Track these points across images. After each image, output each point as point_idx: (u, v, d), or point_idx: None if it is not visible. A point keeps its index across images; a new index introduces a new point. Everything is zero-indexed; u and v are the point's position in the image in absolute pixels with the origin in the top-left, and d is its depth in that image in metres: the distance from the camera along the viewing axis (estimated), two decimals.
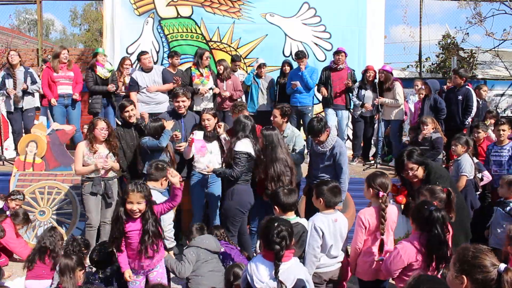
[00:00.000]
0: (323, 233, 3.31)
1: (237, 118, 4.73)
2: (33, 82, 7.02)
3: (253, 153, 4.53)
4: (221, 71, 7.05)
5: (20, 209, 5.39)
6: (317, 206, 3.43)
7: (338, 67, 7.12)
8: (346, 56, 7.19)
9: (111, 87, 6.78)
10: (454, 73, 7.10)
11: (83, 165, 4.96)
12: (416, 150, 4.07)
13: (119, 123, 7.23)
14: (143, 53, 6.86)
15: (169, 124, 5.03)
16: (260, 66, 7.43)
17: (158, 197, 3.89)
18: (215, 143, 5.13)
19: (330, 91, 7.13)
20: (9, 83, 6.84)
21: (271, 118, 5.26)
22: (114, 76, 7.00)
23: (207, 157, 5.04)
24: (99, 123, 4.94)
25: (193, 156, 5.10)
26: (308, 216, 5.03)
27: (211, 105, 6.75)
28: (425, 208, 3.08)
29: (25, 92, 6.94)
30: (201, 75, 6.74)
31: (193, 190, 5.24)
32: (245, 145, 4.50)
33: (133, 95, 6.65)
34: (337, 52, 7.14)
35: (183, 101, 5.37)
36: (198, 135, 5.05)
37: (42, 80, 6.87)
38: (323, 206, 3.41)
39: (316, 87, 7.30)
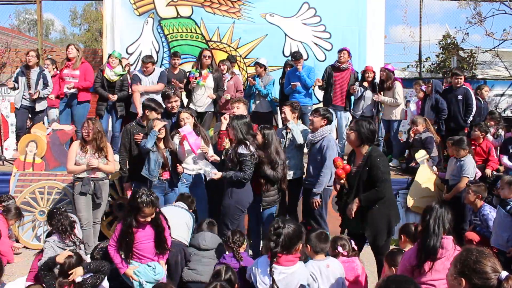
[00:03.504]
0: (315, 277, 3.23)
1: (231, 120, 4.77)
2: (45, 84, 6.93)
3: (255, 152, 4.56)
4: (223, 72, 7.04)
5: (11, 204, 5.39)
6: (307, 253, 3.42)
7: (341, 67, 7.12)
8: (350, 56, 7.19)
9: (111, 96, 6.74)
10: (456, 74, 7.03)
11: (75, 164, 5.01)
12: (364, 121, 4.11)
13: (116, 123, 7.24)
14: (147, 61, 6.65)
15: (158, 124, 4.91)
16: (259, 65, 7.39)
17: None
18: None
19: (330, 91, 7.12)
20: (22, 81, 6.84)
21: (281, 116, 5.26)
22: (125, 82, 6.90)
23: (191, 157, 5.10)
24: (84, 123, 5.04)
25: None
26: (303, 216, 5.10)
27: (211, 106, 6.74)
28: (430, 205, 3.12)
29: (38, 98, 6.91)
30: (200, 75, 6.61)
31: (180, 191, 5.22)
32: (248, 147, 4.55)
33: (136, 87, 6.58)
34: (340, 50, 7.14)
35: (175, 101, 5.48)
36: (187, 129, 4.98)
37: (56, 78, 6.93)
38: (311, 253, 3.41)
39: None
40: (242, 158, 4.48)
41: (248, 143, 4.54)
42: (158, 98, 6.60)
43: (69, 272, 3.60)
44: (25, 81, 6.84)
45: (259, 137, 4.71)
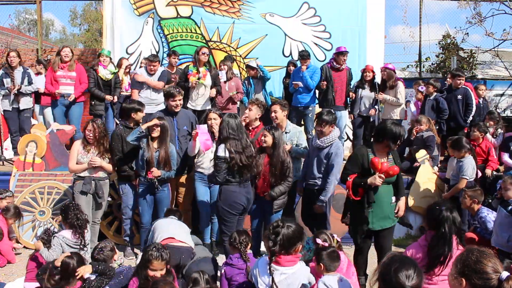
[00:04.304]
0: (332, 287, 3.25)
1: (223, 118, 4.65)
2: (30, 82, 7.04)
3: (227, 156, 4.34)
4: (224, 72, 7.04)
5: (10, 204, 5.41)
6: (318, 271, 3.39)
7: (341, 68, 7.12)
8: None
9: (109, 97, 6.82)
10: (458, 76, 7.05)
11: (76, 163, 5.06)
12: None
13: (117, 122, 7.26)
14: (154, 60, 6.68)
15: (151, 122, 4.96)
16: (251, 68, 7.33)
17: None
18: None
19: (331, 92, 7.11)
20: (7, 82, 6.89)
21: (272, 115, 5.24)
22: (117, 79, 6.98)
23: (209, 156, 5.05)
24: (88, 125, 5.03)
25: (194, 157, 5.11)
26: (304, 218, 5.06)
27: (208, 104, 6.73)
28: (436, 208, 3.15)
29: (21, 93, 6.97)
30: (198, 72, 6.57)
31: (197, 189, 5.28)
32: (222, 150, 4.39)
33: (136, 93, 6.66)
34: (342, 53, 7.07)
35: (179, 100, 5.45)
36: (202, 128, 5.03)
37: (46, 79, 6.90)
38: (324, 271, 3.39)
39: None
40: (216, 161, 4.38)
41: (226, 144, 4.35)
42: (159, 96, 6.67)
43: (76, 273, 3.57)
44: (9, 82, 6.87)
45: (269, 138, 4.60)
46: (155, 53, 8.23)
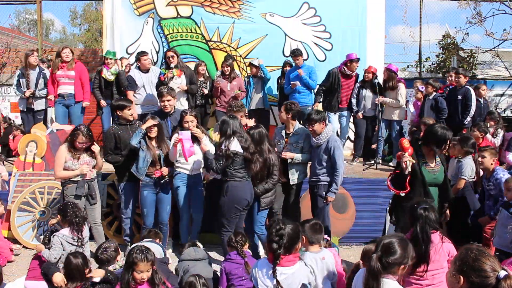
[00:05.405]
0: (313, 270, 3.27)
1: (222, 118, 4.80)
2: (46, 84, 7.01)
3: (240, 151, 4.59)
4: (227, 72, 7.04)
5: None
6: (302, 245, 3.37)
7: (351, 74, 7.14)
8: None
9: (103, 103, 6.90)
10: (458, 73, 7.08)
11: (64, 169, 4.90)
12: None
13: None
14: (143, 53, 6.90)
15: (148, 122, 4.98)
16: (254, 66, 7.39)
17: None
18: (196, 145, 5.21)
19: (337, 97, 7.13)
20: (23, 83, 6.92)
21: (280, 118, 5.40)
22: (123, 77, 6.98)
23: (192, 158, 5.11)
24: (79, 137, 4.83)
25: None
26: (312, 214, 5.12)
27: (185, 103, 6.82)
28: (414, 207, 3.17)
29: (35, 96, 6.98)
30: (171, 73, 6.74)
31: (177, 191, 5.25)
32: (235, 145, 4.60)
33: (131, 94, 6.69)
34: (356, 60, 7.07)
35: (168, 100, 5.43)
36: (185, 134, 4.96)
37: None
38: (306, 244, 3.43)
39: (318, 87, 7.31)
40: (233, 157, 4.57)
41: (233, 138, 4.58)
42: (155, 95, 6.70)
43: (87, 274, 3.57)
44: (25, 83, 6.88)
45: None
46: (156, 53, 8.27)
